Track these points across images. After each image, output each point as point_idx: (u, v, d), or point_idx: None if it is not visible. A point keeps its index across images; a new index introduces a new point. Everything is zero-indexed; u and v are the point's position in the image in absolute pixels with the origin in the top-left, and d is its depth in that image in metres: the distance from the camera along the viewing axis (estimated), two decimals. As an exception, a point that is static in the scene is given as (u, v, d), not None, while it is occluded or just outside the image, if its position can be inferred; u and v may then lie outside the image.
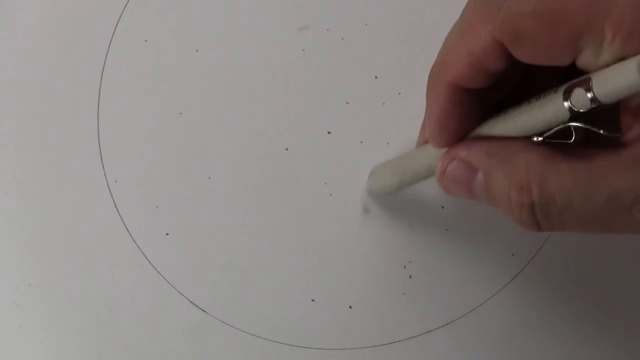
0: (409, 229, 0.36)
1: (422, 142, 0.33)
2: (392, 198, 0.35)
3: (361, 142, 0.36)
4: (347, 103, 0.37)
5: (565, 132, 0.26)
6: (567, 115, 0.25)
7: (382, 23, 0.37)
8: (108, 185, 0.35)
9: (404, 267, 0.35)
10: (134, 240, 0.35)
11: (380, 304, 0.35)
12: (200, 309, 0.35)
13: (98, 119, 0.36)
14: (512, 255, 0.36)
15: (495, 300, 0.35)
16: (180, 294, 0.35)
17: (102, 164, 0.36)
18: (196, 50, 0.37)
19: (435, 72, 0.29)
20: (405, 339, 0.35)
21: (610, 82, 0.24)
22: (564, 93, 0.25)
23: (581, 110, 0.25)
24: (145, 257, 0.35)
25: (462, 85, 0.28)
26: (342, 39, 0.37)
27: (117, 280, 0.35)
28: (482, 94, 0.28)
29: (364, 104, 0.37)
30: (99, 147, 0.36)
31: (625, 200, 0.24)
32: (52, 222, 0.35)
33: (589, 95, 0.24)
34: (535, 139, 0.27)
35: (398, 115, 0.36)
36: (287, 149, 0.36)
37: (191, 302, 0.35)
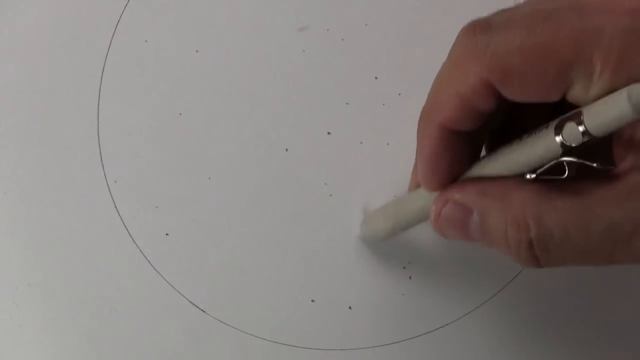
0: (409, 231, 0.36)
1: (415, 185, 0.33)
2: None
3: (361, 143, 0.36)
4: (347, 104, 0.37)
5: (559, 167, 0.26)
6: (560, 150, 0.25)
7: (382, 24, 0.37)
8: (108, 186, 0.35)
9: (404, 267, 0.35)
10: (134, 241, 0.35)
11: (380, 304, 0.35)
12: (200, 309, 0.35)
13: (98, 119, 0.36)
14: (512, 256, 0.35)
15: (495, 300, 0.35)
16: (180, 294, 0.35)
17: (102, 164, 0.36)
18: (196, 51, 0.37)
19: (425, 114, 0.29)
20: (405, 340, 0.35)
21: (602, 115, 0.24)
22: (555, 128, 0.25)
23: (573, 145, 0.24)
24: (145, 257, 0.35)
25: (452, 127, 0.27)
26: (342, 39, 0.37)
27: (116, 280, 0.35)
28: (473, 135, 0.28)
29: (364, 104, 0.37)
30: (99, 147, 0.36)
31: (623, 231, 0.24)
32: (52, 222, 0.35)
33: (581, 129, 0.24)
34: (528, 176, 0.26)
35: (398, 116, 0.36)
36: (287, 150, 0.36)
37: (191, 302, 0.35)
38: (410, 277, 0.35)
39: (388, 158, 0.35)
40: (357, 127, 0.36)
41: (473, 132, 0.28)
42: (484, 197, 0.27)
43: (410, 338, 0.35)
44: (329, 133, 0.36)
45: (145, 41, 0.37)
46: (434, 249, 0.36)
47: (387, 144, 0.36)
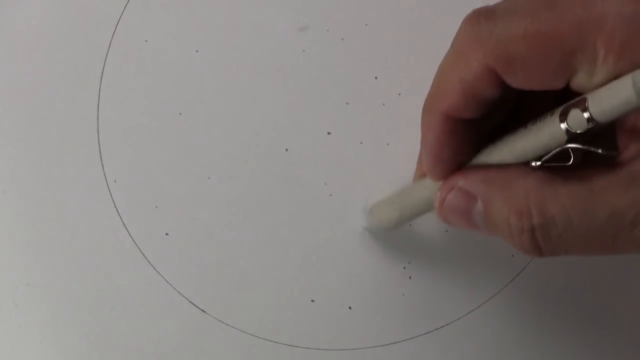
0: (408, 230, 0.36)
1: (420, 175, 0.33)
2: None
3: (361, 143, 0.36)
4: (347, 104, 0.37)
5: (563, 154, 0.26)
6: (564, 137, 0.25)
7: (382, 24, 0.37)
8: (108, 185, 0.35)
9: (404, 267, 0.35)
10: (134, 240, 0.35)
11: (380, 304, 0.35)
12: (200, 309, 0.35)
13: (98, 119, 0.36)
14: (512, 256, 0.35)
15: (495, 301, 0.35)
16: (180, 293, 0.35)
17: (102, 163, 0.36)
18: (196, 51, 0.37)
19: (428, 103, 0.29)
20: (404, 340, 0.35)
21: (606, 101, 0.24)
22: (560, 115, 0.25)
23: (578, 132, 0.24)
24: (145, 257, 0.35)
25: (456, 115, 0.27)
26: (342, 39, 0.37)
27: (116, 280, 0.35)
28: (477, 123, 0.28)
29: (363, 104, 0.37)
30: (99, 147, 0.36)
31: (626, 218, 0.24)
32: (52, 222, 0.35)
33: (585, 115, 0.24)
34: (533, 163, 0.26)
35: (398, 116, 0.36)
36: (287, 150, 0.36)
37: (190, 302, 0.35)
38: (410, 277, 0.35)
39: (388, 158, 0.35)
40: (357, 127, 0.36)
41: (477, 120, 0.28)
42: (488, 184, 0.27)
43: (410, 338, 0.35)
44: (329, 133, 0.36)
45: (145, 41, 0.37)
46: (434, 249, 0.36)
47: (387, 144, 0.36)
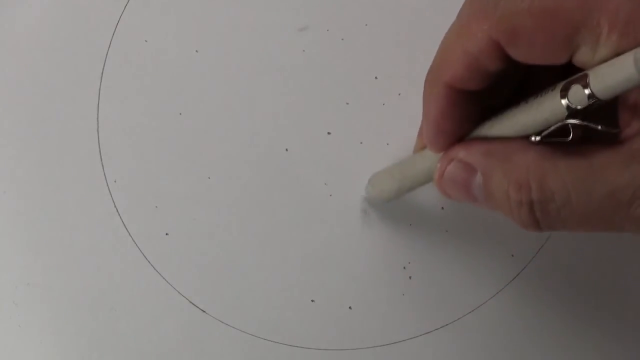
0: (408, 230, 0.36)
1: (420, 147, 0.33)
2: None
3: (361, 143, 0.36)
4: (347, 104, 0.37)
5: (564, 130, 0.26)
6: (565, 112, 0.25)
7: (382, 24, 0.37)
8: (108, 185, 0.35)
9: (404, 267, 0.35)
10: (134, 240, 0.35)
11: (380, 304, 0.35)
12: (200, 309, 0.35)
13: (98, 119, 0.36)
14: (512, 256, 0.35)
15: (495, 301, 0.35)
16: (180, 294, 0.35)
17: (102, 163, 0.36)
18: (196, 51, 0.37)
19: (432, 74, 0.29)
20: (405, 340, 0.35)
21: (608, 77, 0.24)
22: (561, 91, 0.25)
23: (578, 107, 0.24)
24: (145, 257, 0.35)
25: (459, 86, 0.27)
26: (342, 39, 0.37)
27: (116, 280, 0.35)
28: (479, 96, 0.28)
29: (364, 104, 0.37)
30: (99, 147, 0.36)
31: (624, 196, 0.24)
32: (52, 222, 0.35)
33: (587, 91, 0.24)
34: (533, 138, 0.26)
35: (398, 116, 0.36)
36: (287, 150, 0.36)
37: (190, 302, 0.35)
38: (410, 277, 0.35)
39: (388, 158, 0.35)
40: (357, 127, 0.36)
41: (479, 94, 0.28)
42: (488, 157, 0.27)
43: (410, 338, 0.35)
44: (329, 133, 0.36)
45: (145, 41, 0.37)
46: (434, 249, 0.36)
47: (387, 143, 0.36)
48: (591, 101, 0.24)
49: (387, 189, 0.34)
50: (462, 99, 0.28)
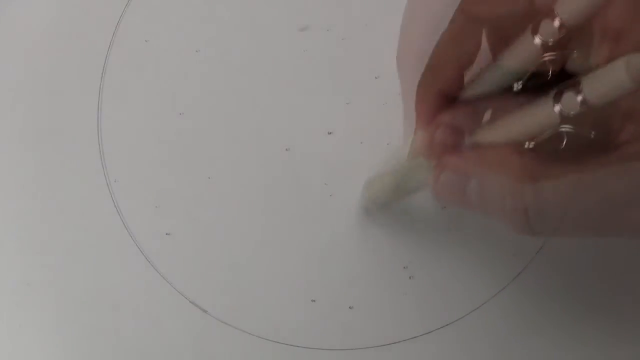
0: (409, 230, 0.36)
1: (414, 152, 0.33)
2: (393, 198, 0.35)
3: (362, 143, 0.36)
4: (348, 103, 0.37)
5: (557, 136, 0.26)
6: (558, 119, 0.25)
7: (382, 23, 0.37)
8: (108, 185, 0.35)
9: (405, 267, 0.35)
10: (135, 240, 0.35)
11: (381, 304, 0.35)
12: (201, 309, 0.35)
13: (99, 118, 0.36)
14: (513, 255, 0.35)
15: (496, 300, 0.35)
16: (181, 294, 0.35)
17: (103, 163, 0.36)
18: (197, 51, 0.37)
19: (425, 78, 0.29)
20: (405, 340, 0.35)
21: (600, 84, 0.24)
22: (554, 97, 0.25)
23: (571, 114, 0.24)
24: (146, 257, 0.35)
25: (452, 93, 0.28)
26: (343, 39, 0.37)
27: (117, 280, 0.35)
28: (454, 62, 0.28)
29: (364, 104, 0.37)
30: (100, 147, 0.36)
31: (618, 202, 0.24)
32: (53, 222, 0.35)
33: (579, 98, 0.24)
34: (527, 144, 0.26)
35: (399, 116, 0.36)
36: (287, 149, 0.36)
37: (192, 302, 0.35)
38: (411, 277, 0.35)
39: (389, 158, 0.35)
40: (357, 126, 0.36)
41: (452, 60, 0.28)
42: (482, 164, 0.27)
43: (411, 338, 0.35)
44: (329, 133, 0.36)
45: (146, 41, 0.37)
46: (435, 249, 0.36)
47: (388, 143, 0.36)
48: (583, 108, 0.24)
49: (382, 195, 0.34)
50: (437, 69, 0.28)
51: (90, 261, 0.35)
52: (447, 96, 0.28)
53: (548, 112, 0.25)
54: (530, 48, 0.25)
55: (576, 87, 0.24)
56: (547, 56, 0.25)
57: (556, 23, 0.24)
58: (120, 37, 0.37)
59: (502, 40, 0.28)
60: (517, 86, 0.27)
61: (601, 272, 0.35)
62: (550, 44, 0.25)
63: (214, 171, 0.36)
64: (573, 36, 0.25)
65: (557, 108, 0.25)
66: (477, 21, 0.27)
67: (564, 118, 0.25)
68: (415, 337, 0.35)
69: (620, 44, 0.24)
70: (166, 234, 0.35)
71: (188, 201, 0.35)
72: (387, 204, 0.34)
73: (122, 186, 0.35)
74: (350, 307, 0.35)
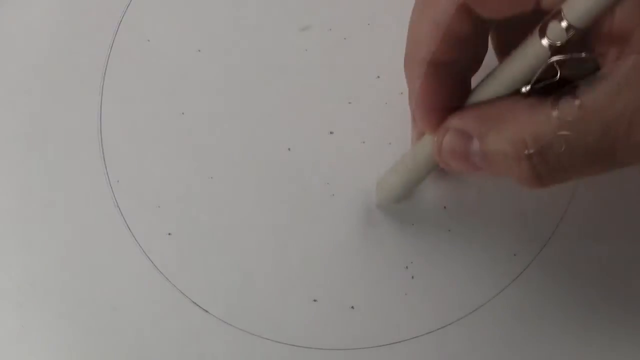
0: (411, 230, 0.36)
1: (417, 135, 0.33)
2: (394, 198, 0.35)
3: (363, 142, 0.36)
4: (350, 103, 0.37)
5: (551, 72, 0.26)
6: (548, 53, 0.25)
7: (384, 23, 0.37)
8: (110, 185, 0.36)
9: (406, 267, 0.35)
10: (136, 240, 0.35)
11: (382, 304, 0.35)
12: (202, 309, 0.35)
13: (100, 118, 0.36)
14: (514, 255, 0.35)
15: (497, 300, 0.35)
16: (182, 293, 0.35)
17: (105, 164, 0.36)
18: (198, 50, 0.37)
19: (408, 55, 0.29)
20: (407, 340, 0.35)
21: (580, 4, 0.24)
22: (540, 32, 0.25)
23: (559, 43, 0.25)
24: (147, 257, 0.35)
25: (437, 60, 0.27)
26: (345, 39, 0.37)
27: (119, 280, 0.35)
28: (460, 66, 0.28)
29: (366, 104, 0.37)
30: (101, 147, 0.36)
31: (620, 128, 0.24)
32: (54, 222, 0.35)
33: (563, 24, 0.24)
34: (523, 89, 0.26)
35: (400, 115, 0.36)
36: (289, 149, 0.36)
37: (193, 302, 0.35)
38: (412, 277, 0.35)
39: (390, 157, 0.35)
40: (359, 126, 0.36)
41: (459, 63, 0.28)
42: (481, 120, 0.27)
43: (413, 338, 0.35)
44: (331, 132, 0.36)
45: (148, 41, 0.37)
46: (436, 249, 0.36)
47: (390, 143, 0.36)
48: (571, 33, 0.24)
49: (395, 187, 0.34)
50: (444, 72, 0.28)
51: (92, 261, 0.35)
52: (434, 66, 0.28)
53: (536, 48, 0.25)
54: (538, 50, 0.25)
55: (558, 16, 0.24)
56: (555, 58, 0.25)
57: (564, 24, 0.24)
58: (122, 37, 0.37)
59: (508, 43, 0.28)
60: (525, 89, 0.26)
61: (601, 272, 0.35)
62: (558, 45, 0.25)
63: (216, 171, 0.36)
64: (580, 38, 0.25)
65: (544, 41, 0.25)
66: (483, 23, 0.27)
67: (553, 50, 0.25)
68: (416, 337, 0.35)
69: (626, 46, 0.24)
70: (168, 234, 0.35)
71: (189, 201, 0.35)
72: (401, 197, 0.34)
73: (124, 186, 0.35)
74: (351, 307, 0.35)
